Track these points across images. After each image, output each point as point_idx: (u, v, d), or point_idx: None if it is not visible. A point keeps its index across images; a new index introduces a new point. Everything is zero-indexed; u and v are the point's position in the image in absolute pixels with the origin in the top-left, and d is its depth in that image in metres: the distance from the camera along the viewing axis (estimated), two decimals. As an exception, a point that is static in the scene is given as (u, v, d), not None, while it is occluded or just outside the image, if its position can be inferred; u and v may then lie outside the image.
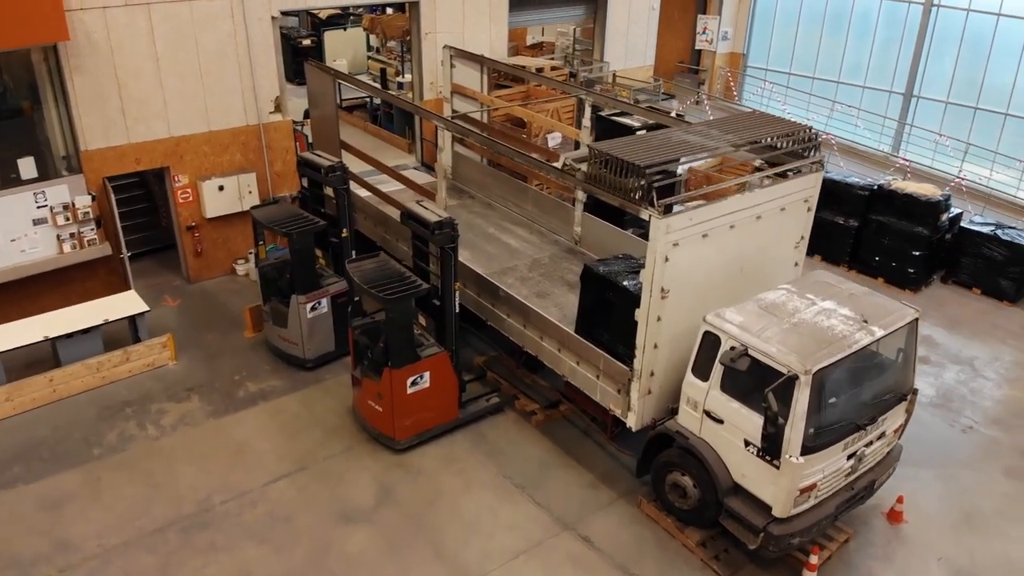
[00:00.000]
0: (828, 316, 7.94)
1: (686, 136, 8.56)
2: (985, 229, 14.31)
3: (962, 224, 14.55)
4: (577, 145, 12.89)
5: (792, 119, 20.02)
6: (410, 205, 9.87)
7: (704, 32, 21.32)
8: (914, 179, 16.86)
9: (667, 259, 7.90)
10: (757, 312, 8.02)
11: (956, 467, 10.23)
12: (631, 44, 19.30)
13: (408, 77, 18.26)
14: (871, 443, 8.18)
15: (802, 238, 9.45)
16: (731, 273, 8.73)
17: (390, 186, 13.36)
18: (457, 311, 9.88)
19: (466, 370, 11.23)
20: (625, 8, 18.81)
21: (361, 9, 21.09)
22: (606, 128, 13.87)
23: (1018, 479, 10.04)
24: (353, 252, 11.82)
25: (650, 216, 7.70)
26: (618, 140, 8.38)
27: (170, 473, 9.68)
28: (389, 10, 20.75)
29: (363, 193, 12.92)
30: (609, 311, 8.89)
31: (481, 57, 13.95)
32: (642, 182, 7.66)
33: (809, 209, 9.29)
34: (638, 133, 13.54)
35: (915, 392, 8.61)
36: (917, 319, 8.24)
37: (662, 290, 8.04)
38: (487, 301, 10.65)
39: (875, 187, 14.72)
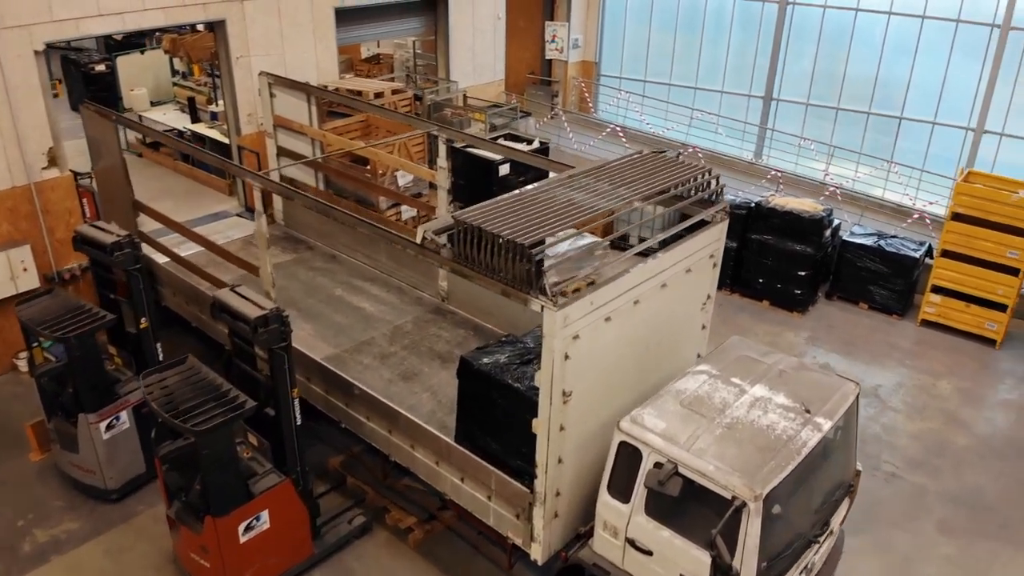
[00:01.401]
0: (764, 409, 6.45)
1: (572, 193, 6.83)
2: (868, 241, 13.60)
3: (844, 237, 13.80)
4: (432, 186, 10.98)
5: (652, 130, 19.54)
6: (222, 294, 7.60)
7: (554, 40, 19.87)
8: (785, 187, 16.13)
9: (567, 356, 6.13)
10: (680, 412, 6.41)
11: (889, 528, 9.14)
12: (478, 58, 17.55)
13: (222, 105, 15.68)
14: (820, 547, 6.79)
15: (708, 297, 7.99)
16: (638, 353, 7.11)
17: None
18: (299, 423, 7.72)
19: (318, 476, 9.12)
20: (468, 18, 17.03)
21: (156, 32, 18.12)
22: (463, 162, 12.05)
23: (955, 536, 9.06)
24: (158, 346, 9.38)
25: (542, 307, 5.90)
26: (489, 205, 6.52)
27: None
28: (200, 26, 17.97)
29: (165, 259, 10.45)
30: (498, 416, 7.03)
31: (306, 85, 11.73)
32: (528, 266, 5.85)
33: (715, 265, 7.84)
34: (501, 169, 11.83)
35: (858, 474, 7.34)
36: (859, 393, 6.94)
37: (564, 393, 6.27)
38: (339, 400, 8.54)
39: (752, 205, 13.70)
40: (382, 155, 11.20)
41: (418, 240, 6.56)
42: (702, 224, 7.40)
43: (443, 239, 6.49)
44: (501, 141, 13.01)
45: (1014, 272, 12.10)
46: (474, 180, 12.10)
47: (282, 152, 12.24)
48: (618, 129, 17.89)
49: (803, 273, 13.40)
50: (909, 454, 10.38)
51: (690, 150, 16.84)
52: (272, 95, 12.03)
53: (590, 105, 20.76)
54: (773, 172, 16.21)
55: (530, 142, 12.91)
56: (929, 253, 13.36)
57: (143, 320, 9.12)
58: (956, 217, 12.39)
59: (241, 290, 7.64)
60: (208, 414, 6.95)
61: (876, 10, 17.14)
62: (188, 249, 10.64)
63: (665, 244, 7.03)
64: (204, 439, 6.87)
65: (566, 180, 7.13)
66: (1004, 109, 16.38)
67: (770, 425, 6.26)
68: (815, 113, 18.59)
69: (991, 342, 12.66)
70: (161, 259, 10.52)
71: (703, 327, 8.11)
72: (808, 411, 6.46)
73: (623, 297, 6.54)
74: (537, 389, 6.36)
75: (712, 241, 7.59)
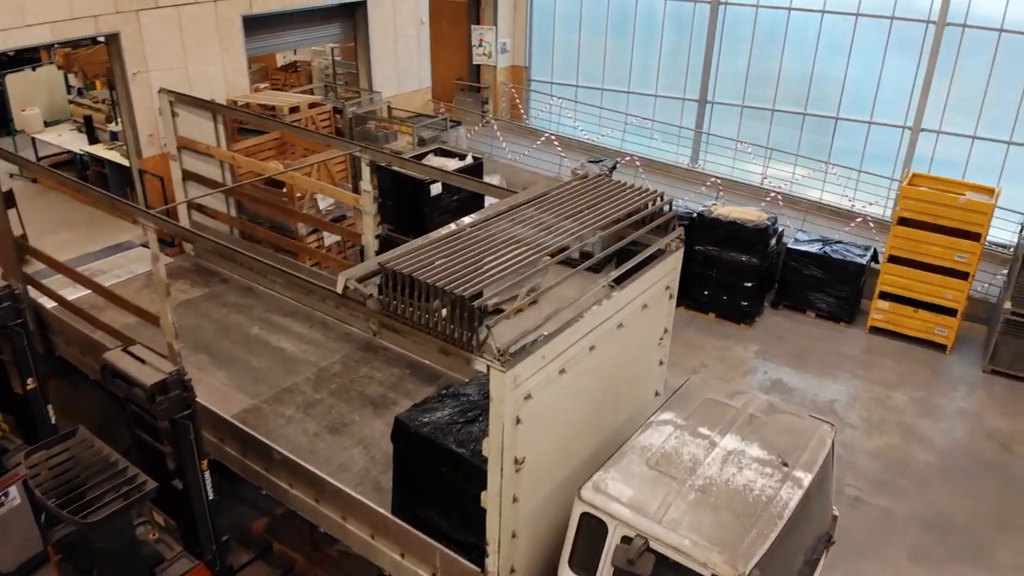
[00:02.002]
0: (738, 465, 5.78)
1: (514, 228, 6.04)
2: (812, 248, 13.25)
3: (789, 245, 13.41)
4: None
5: (586, 137, 18.84)
6: (113, 356, 6.57)
7: (481, 45, 19.03)
8: (724, 192, 15.70)
9: (519, 420, 5.34)
10: (647, 474, 5.68)
11: (858, 559, 8.65)
12: (402, 65, 16.65)
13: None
14: (802, 607, 6.17)
15: (666, 331, 7.32)
16: (595, 401, 6.39)
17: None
18: (211, 497, 6.76)
19: (240, 543, 8.16)
20: (389, 23, 16.09)
21: (55, 45, 16.62)
22: (390, 181, 11.11)
23: (927, 564, 8.63)
24: (49, 408, 8.23)
25: (488, 367, 5.10)
26: (420, 246, 5.68)
27: None
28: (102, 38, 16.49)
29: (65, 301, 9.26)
30: (441, 485, 6.20)
31: (212, 103, 10.64)
32: (471, 319, 5.04)
33: (671, 297, 7.18)
34: (433, 188, 10.97)
35: (835, 519, 6.77)
36: (835, 436, 6.36)
37: (516, 461, 5.48)
38: (258, 464, 7.56)
39: (695, 215, 13.18)
40: (299, 178, 10.21)
41: (339, 289, 5.67)
42: (657, 254, 6.71)
43: (369, 287, 5.64)
44: (431, 157, 12.16)
45: (963, 276, 11.86)
46: (403, 200, 11.20)
47: (188, 176, 11.11)
48: (553, 137, 17.20)
49: (749, 284, 12.97)
50: (871, 475, 9.97)
51: (627, 158, 16.26)
52: (174, 114, 10.88)
53: (522, 112, 20.02)
54: (713, 179, 15.74)
55: (462, 157, 12.07)
56: (875, 258, 13.08)
57: (30, 381, 7.96)
58: (902, 222, 12.09)
59: (136, 350, 6.62)
60: (101, 500, 5.95)
61: (809, 8, 16.83)
62: (84, 290, 9.50)
63: (620, 280, 6.31)
64: (97, 530, 5.86)
65: (506, 212, 6.33)
66: (940, 106, 16.27)
67: (747, 485, 5.60)
68: (750, 115, 18.24)
69: (941, 347, 12.42)
70: (53, 303, 9.36)
71: (660, 363, 7.44)
72: (786, 464, 5.83)
73: (578, 344, 5.79)
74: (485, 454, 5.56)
75: (668, 272, 6.93)
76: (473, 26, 19.17)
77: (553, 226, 6.09)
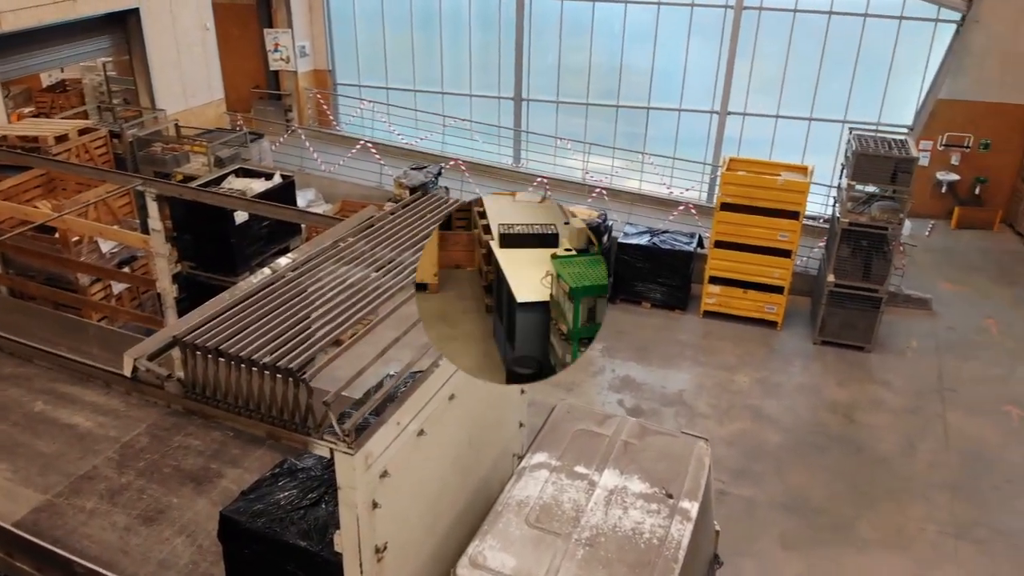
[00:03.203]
0: (623, 505, 5.26)
1: (343, 270, 5.15)
2: (641, 240, 13.29)
3: (619, 240, 13.34)
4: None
5: (404, 141, 17.93)
6: None
7: (276, 49, 17.59)
8: (551, 190, 15.43)
9: (376, 504, 4.49)
10: (529, 535, 5.02)
11: (733, 557, 8.39)
12: (189, 76, 14.99)
13: None
14: (699, 640, 5.79)
15: (524, 356, 6.68)
16: (460, 455, 5.64)
17: None
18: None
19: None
20: (168, 32, 14.41)
21: None
22: (186, 213, 9.70)
23: (797, 549, 8.65)
24: None
25: (332, 451, 4.21)
26: (228, 306, 4.66)
27: None
28: None
29: None
30: (283, 584, 5.21)
31: (-49, 140, 8.83)
32: (305, 398, 4.13)
33: (528, 318, 6.53)
34: (238, 217, 9.67)
35: (718, 534, 6.47)
36: (710, 452, 6.02)
37: (377, 550, 4.63)
38: (53, 580, 6.18)
39: (527, 217, 12.74)
40: (72, 220, 8.64)
41: (127, 371, 4.55)
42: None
43: (166, 366, 4.56)
44: (232, 179, 10.81)
45: (786, 254, 12.22)
46: (204, 234, 9.80)
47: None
48: (369, 144, 16.18)
49: (588, 283, 12.71)
50: (729, 464, 9.96)
51: (451, 162, 15.58)
52: (-95, 154, 8.97)
53: (331, 118, 18.78)
54: (539, 179, 15.43)
55: (269, 176, 10.80)
56: (700, 244, 13.26)
57: None
58: (725, 207, 12.27)
59: None
60: None
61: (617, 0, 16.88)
62: None
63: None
64: None
65: (331, 251, 5.42)
66: (744, 89, 16.84)
67: (635, 528, 5.09)
68: (566, 110, 18.14)
69: (772, 324, 12.77)
70: None
71: (523, 392, 6.81)
72: (670, 495, 5.37)
73: (437, 397, 5.01)
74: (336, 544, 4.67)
75: (520, 294, 6.27)
76: (266, 30, 17.69)
77: (391, 262, 5.26)
